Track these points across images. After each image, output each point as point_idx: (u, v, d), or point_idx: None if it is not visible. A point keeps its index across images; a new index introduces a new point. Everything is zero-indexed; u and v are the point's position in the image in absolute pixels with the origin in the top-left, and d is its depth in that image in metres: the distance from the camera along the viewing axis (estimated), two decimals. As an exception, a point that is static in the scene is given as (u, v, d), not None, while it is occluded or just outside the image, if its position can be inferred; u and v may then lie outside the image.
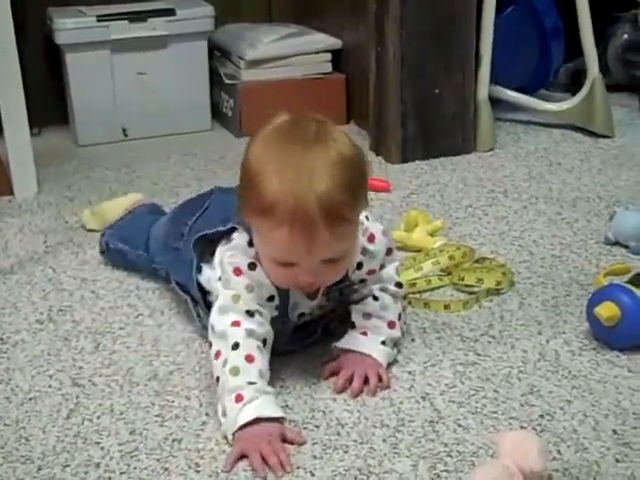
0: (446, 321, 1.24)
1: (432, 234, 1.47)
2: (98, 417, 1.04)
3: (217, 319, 1.04)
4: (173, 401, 1.07)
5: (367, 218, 1.12)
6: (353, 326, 1.14)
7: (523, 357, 1.15)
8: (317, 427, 1.01)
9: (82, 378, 1.13)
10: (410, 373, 1.12)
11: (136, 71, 2.10)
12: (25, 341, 1.22)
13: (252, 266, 1.06)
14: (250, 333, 1.03)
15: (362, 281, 1.14)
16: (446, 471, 0.93)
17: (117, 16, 2.05)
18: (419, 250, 1.42)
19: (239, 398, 0.97)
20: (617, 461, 0.94)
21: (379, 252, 1.13)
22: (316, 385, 1.10)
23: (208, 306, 1.14)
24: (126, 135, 2.12)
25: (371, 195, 1.69)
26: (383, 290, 1.15)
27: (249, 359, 1.00)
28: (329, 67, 2.16)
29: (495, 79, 1.99)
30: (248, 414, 0.96)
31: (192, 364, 1.15)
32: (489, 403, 1.05)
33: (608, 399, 1.05)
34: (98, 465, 0.96)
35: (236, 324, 1.03)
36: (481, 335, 1.21)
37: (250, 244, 1.07)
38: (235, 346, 1.01)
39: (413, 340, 1.20)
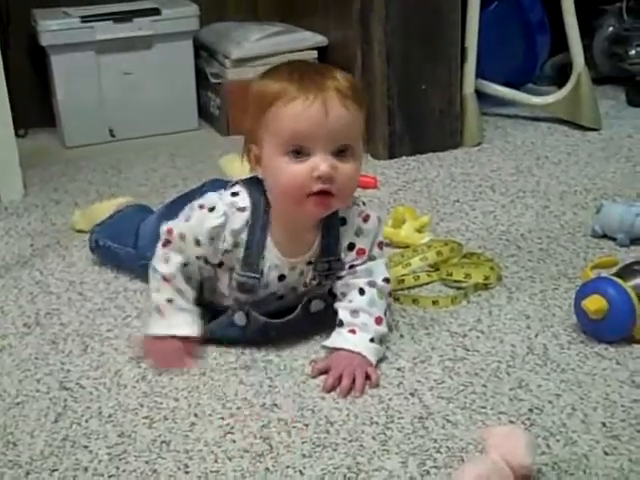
0: (435, 317, 1.24)
1: (420, 230, 1.47)
2: (86, 420, 1.04)
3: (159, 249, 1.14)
4: (162, 403, 1.07)
5: (364, 203, 1.16)
6: (341, 324, 1.14)
7: (512, 351, 1.15)
8: (306, 426, 1.01)
9: (70, 381, 1.12)
10: (399, 369, 1.12)
11: (122, 71, 2.09)
12: (12, 345, 1.22)
13: (212, 209, 1.10)
14: (166, 259, 1.13)
15: (352, 267, 1.15)
16: (435, 467, 0.93)
17: (102, 17, 2.04)
18: (407, 246, 1.42)
19: (158, 312, 1.14)
20: (606, 454, 0.94)
21: (371, 231, 1.15)
22: (305, 384, 1.09)
23: None
24: (113, 136, 2.11)
25: (359, 191, 1.70)
26: (371, 285, 1.15)
27: (165, 281, 1.13)
28: (315, 65, 2.16)
29: (481, 74, 1.99)
30: (161, 328, 1.13)
31: (180, 365, 1.15)
32: (478, 398, 1.05)
33: (597, 392, 1.05)
34: (86, 469, 0.96)
35: (163, 244, 1.14)
36: (470, 330, 1.21)
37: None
38: (154, 269, 1.14)
39: (402, 336, 1.20)
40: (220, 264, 1.14)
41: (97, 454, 0.98)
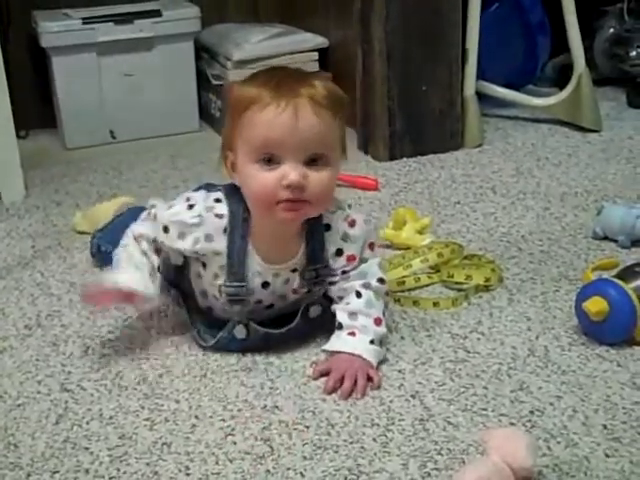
0: (435, 319, 1.24)
1: (420, 232, 1.47)
2: (87, 422, 1.04)
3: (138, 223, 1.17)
4: (162, 405, 1.07)
5: (349, 206, 1.15)
6: (340, 327, 1.14)
7: (512, 353, 1.15)
8: (307, 427, 1.01)
9: (71, 383, 1.12)
10: (400, 371, 1.12)
11: (123, 73, 2.09)
12: (13, 347, 1.22)
13: (191, 206, 1.10)
14: (145, 254, 1.15)
15: (344, 272, 1.14)
16: (436, 469, 0.93)
17: (103, 18, 2.04)
18: (408, 248, 1.42)
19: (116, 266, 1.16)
20: (607, 456, 0.94)
21: (359, 237, 1.14)
22: (305, 385, 1.09)
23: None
24: (114, 137, 2.11)
25: (359, 193, 1.72)
26: (366, 287, 1.14)
27: (140, 234, 1.15)
28: (316, 66, 2.16)
29: (482, 75, 1.99)
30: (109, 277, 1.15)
31: (181, 367, 1.15)
32: (479, 400, 1.05)
33: (598, 394, 1.05)
34: (87, 471, 0.96)
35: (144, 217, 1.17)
36: (470, 332, 1.21)
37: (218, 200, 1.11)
38: (130, 229, 1.17)
39: (403, 338, 1.20)
40: (204, 265, 1.14)
41: (98, 456, 0.98)
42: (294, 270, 1.13)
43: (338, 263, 1.14)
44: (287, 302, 1.17)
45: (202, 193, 1.14)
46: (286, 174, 1.03)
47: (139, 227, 1.16)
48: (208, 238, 1.11)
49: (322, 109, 1.03)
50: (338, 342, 1.13)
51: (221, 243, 1.11)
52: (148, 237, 1.15)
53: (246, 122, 1.04)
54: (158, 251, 1.16)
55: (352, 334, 1.12)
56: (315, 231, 1.12)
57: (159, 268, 1.17)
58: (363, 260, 1.15)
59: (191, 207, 1.11)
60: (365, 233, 1.15)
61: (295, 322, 1.15)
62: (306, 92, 1.03)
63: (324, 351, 1.14)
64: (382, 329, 1.14)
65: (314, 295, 1.16)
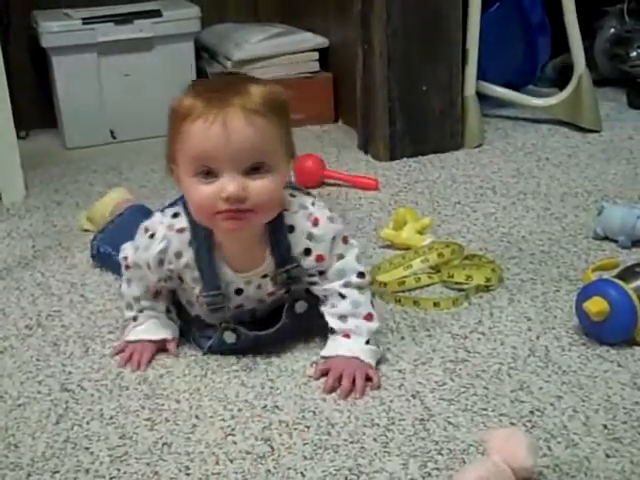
0: (436, 319, 1.24)
1: (421, 232, 1.47)
2: (87, 422, 1.04)
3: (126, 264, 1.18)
4: (163, 404, 1.07)
5: (313, 204, 1.12)
6: (333, 331, 1.13)
7: (513, 353, 1.15)
8: (307, 427, 1.01)
9: (71, 383, 1.12)
10: (400, 371, 1.12)
11: (123, 73, 2.10)
12: (14, 347, 1.22)
13: (152, 235, 1.12)
14: (129, 283, 1.17)
15: (321, 273, 1.12)
16: (437, 469, 0.93)
17: (103, 18, 2.05)
18: (408, 248, 1.42)
19: (132, 321, 1.19)
20: (608, 456, 0.94)
21: (324, 236, 1.10)
22: (306, 385, 1.09)
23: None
24: (114, 137, 2.12)
25: (359, 193, 1.72)
26: (347, 285, 1.12)
27: (133, 299, 1.18)
28: (316, 66, 2.16)
29: (482, 75, 1.99)
30: (134, 335, 1.18)
31: (182, 367, 1.15)
32: (479, 400, 1.05)
33: (598, 394, 1.05)
34: (88, 471, 0.96)
35: (125, 267, 1.17)
36: (471, 332, 1.21)
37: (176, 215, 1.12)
38: (121, 287, 1.19)
39: (403, 338, 1.20)
40: (180, 279, 1.14)
41: (98, 456, 0.98)
42: (264, 276, 1.12)
43: (308, 263, 1.11)
44: (268, 304, 1.16)
45: (158, 216, 1.14)
46: (224, 187, 1.01)
47: (128, 289, 1.18)
48: (177, 255, 1.11)
49: (256, 117, 1.00)
50: (334, 346, 1.12)
51: (189, 256, 1.11)
52: (141, 291, 1.17)
53: (182, 135, 1.03)
54: (158, 293, 1.18)
55: (347, 336, 1.12)
56: (279, 234, 1.10)
57: (168, 309, 1.20)
58: (339, 256, 1.12)
59: (152, 236, 1.12)
60: (331, 231, 1.11)
61: (282, 321, 1.15)
62: (238, 101, 1.00)
63: (322, 357, 1.13)
64: (374, 324, 1.12)
65: (294, 294, 1.15)
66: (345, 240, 1.13)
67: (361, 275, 1.13)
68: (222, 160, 1.01)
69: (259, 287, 1.14)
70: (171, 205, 1.19)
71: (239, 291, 1.13)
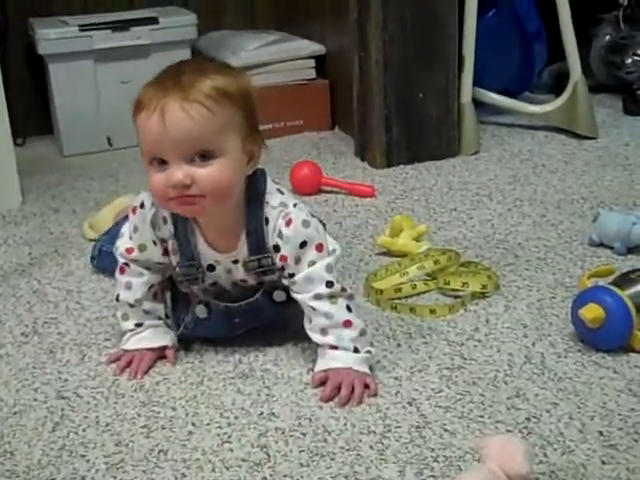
0: (432, 326, 1.24)
1: (417, 239, 1.47)
2: (84, 430, 1.04)
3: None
4: (159, 412, 1.07)
5: (294, 205, 1.12)
6: (319, 345, 1.13)
7: (509, 360, 1.15)
8: (304, 435, 1.01)
9: (67, 390, 1.12)
10: (396, 379, 1.12)
11: (120, 80, 2.09)
12: (10, 354, 1.22)
13: (142, 205, 1.14)
14: (129, 286, 1.17)
15: (291, 276, 1.12)
16: (433, 476, 0.93)
17: (100, 25, 2.05)
18: (404, 255, 1.42)
19: (129, 332, 1.19)
20: (603, 463, 0.94)
21: (292, 239, 1.10)
22: (302, 393, 1.09)
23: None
24: (111, 144, 2.12)
25: (356, 200, 1.72)
26: (317, 298, 1.10)
27: (131, 306, 1.17)
28: (313, 73, 2.17)
29: (478, 82, 1.99)
30: (132, 344, 1.18)
31: (178, 374, 1.15)
32: (475, 407, 1.05)
33: (594, 401, 1.05)
34: (84, 478, 0.95)
35: (121, 271, 1.18)
36: (467, 339, 1.21)
37: None
38: (117, 297, 1.18)
39: (399, 345, 1.20)
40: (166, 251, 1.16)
41: (94, 463, 0.98)
42: (235, 261, 1.14)
43: (277, 259, 1.12)
44: (243, 290, 1.17)
45: (141, 193, 1.16)
46: (170, 175, 1.04)
47: (126, 294, 1.17)
48: (164, 220, 1.14)
49: (194, 105, 1.02)
50: (324, 361, 1.12)
51: (170, 224, 1.13)
52: (143, 292, 1.17)
53: (135, 126, 1.06)
54: (156, 295, 1.19)
55: (334, 347, 1.11)
56: (256, 223, 1.12)
57: (167, 315, 1.21)
58: (310, 263, 1.11)
59: (142, 205, 1.14)
60: (302, 236, 1.10)
61: (255, 298, 1.16)
62: (179, 91, 1.02)
63: (316, 374, 1.12)
64: (354, 330, 1.11)
65: (269, 285, 1.16)
66: (319, 248, 1.11)
67: (329, 285, 1.10)
68: (166, 150, 1.04)
69: (229, 271, 1.15)
70: None
71: (211, 267, 1.15)
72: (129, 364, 1.16)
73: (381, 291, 1.32)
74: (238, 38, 2.18)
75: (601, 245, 1.46)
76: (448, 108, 1.92)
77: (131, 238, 1.16)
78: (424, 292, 1.35)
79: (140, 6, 2.21)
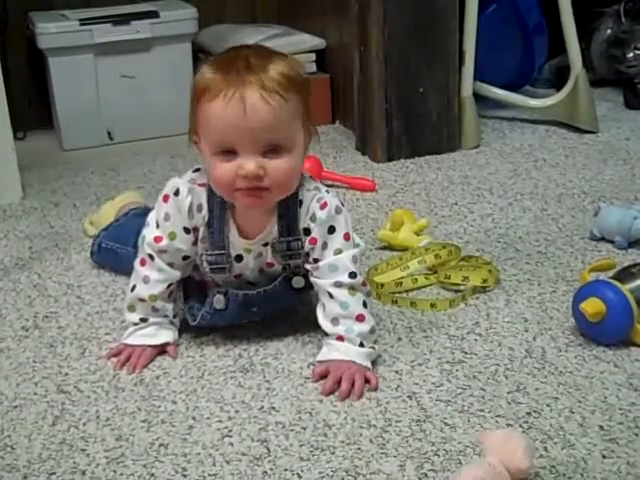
0: (433, 320, 1.24)
1: (418, 233, 1.47)
2: (84, 424, 1.04)
3: (139, 247, 1.17)
4: (159, 406, 1.07)
5: (327, 192, 1.13)
6: (326, 334, 1.13)
7: (510, 354, 1.15)
8: (304, 429, 1.01)
9: (68, 385, 1.12)
10: (397, 372, 1.12)
11: (120, 74, 2.09)
12: (10, 348, 1.22)
13: (176, 192, 1.12)
14: (147, 280, 1.15)
15: (315, 261, 1.12)
16: (433, 470, 0.93)
17: (100, 19, 2.04)
18: (405, 249, 1.42)
19: (133, 325, 1.18)
20: (604, 457, 0.94)
21: (325, 221, 1.11)
22: (302, 387, 1.09)
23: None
24: (111, 138, 2.11)
25: (357, 195, 1.72)
26: (338, 286, 1.11)
27: (142, 300, 1.16)
28: (313, 67, 2.16)
29: (479, 76, 1.99)
30: (134, 339, 1.17)
31: (178, 368, 1.15)
32: (476, 401, 1.05)
33: (594, 395, 1.05)
34: (84, 472, 0.96)
35: (142, 263, 1.16)
36: (468, 333, 1.21)
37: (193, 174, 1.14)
38: (133, 288, 1.16)
39: (400, 339, 1.20)
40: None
41: (95, 457, 0.98)
42: (265, 244, 1.14)
43: (306, 242, 1.12)
44: (266, 277, 1.17)
45: (172, 179, 1.15)
46: (242, 165, 1.04)
47: (142, 288, 1.16)
48: (199, 208, 1.13)
49: (273, 95, 1.01)
50: (329, 350, 1.12)
51: (204, 211, 1.13)
52: (161, 290, 1.16)
53: (201, 113, 1.05)
54: (171, 294, 1.18)
55: (340, 339, 1.11)
56: (289, 205, 1.12)
57: (175, 315, 1.20)
58: (337, 251, 1.12)
59: (177, 193, 1.13)
60: (333, 219, 1.11)
61: (273, 285, 1.16)
62: (256, 79, 1.01)
63: (318, 362, 1.12)
64: (366, 325, 1.12)
65: (291, 271, 1.16)
66: (346, 237, 1.12)
67: (352, 275, 1.11)
68: (240, 139, 1.03)
69: (259, 255, 1.15)
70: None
71: (239, 257, 1.15)
72: (129, 358, 1.16)
73: (382, 285, 1.32)
74: (239, 32, 2.18)
75: (602, 239, 1.46)
76: (449, 102, 1.92)
77: (158, 227, 1.14)
78: (425, 286, 1.35)
79: (140, 0, 2.21)
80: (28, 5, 2.11)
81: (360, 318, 1.12)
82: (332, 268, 1.12)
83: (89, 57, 2.05)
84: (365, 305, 1.13)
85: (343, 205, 1.14)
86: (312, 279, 1.14)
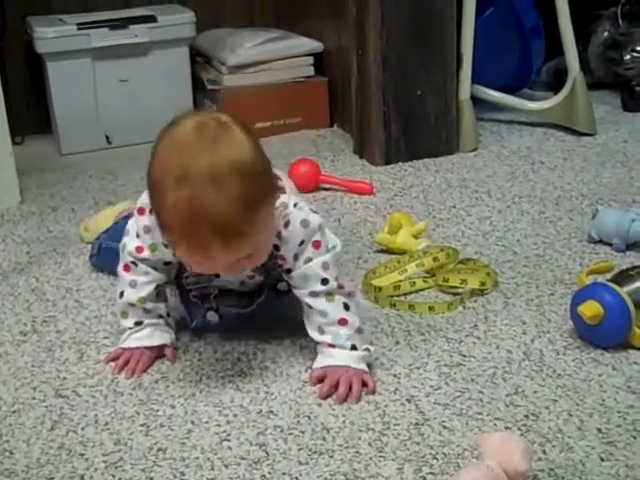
0: (431, 323, 1.24)
1: (416, 236, 1.47)
2: (82, 428, 1.04)
3: (120, 254, 1.18)
4: (158, 410, 1.07)
5: (295, 205, 1.10)
6: (317, 342, 1.13)
7: (508, 357, 1.15)
8: (302, 432, 1.01)
9: (66, 389, 1.12)
10: (395, 376, 1.12)
11: (118, 78, 2.09)
12: (8, 353, 1.22)
13: (151, 210, 1.09)
14: (133, 284, 1.16)
15: (288, 271, 1.12)
16: (432, 474, 0.93)
17: (98, 24, 2.04)
18: (403, 252, 1.42)
19: (128, 330, 1.18)
20: (602, 460, 0.94)
21: (290, 240, 1.09)
22: (301, 390, 1.09)
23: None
24: (109, 143, 2.11)
25: (355, 198, 1.72)
26: (314, 296, 1.11)
27: (132, 305, 1.16)
28: (311, 71, 2.17)
29: (477, 79, 1.99)
30: (130, 342, 1.18)
31: (177, 372, 1.15)
32: (474, 404, 1.05)
33: (593, 398, 1.05)
34: (83, 477, 0.96)
35: (125, 269, 1.16)
36: (466, 336, 1.21)
37: None
38: (121, 294, 1.17)
39: (398, 342, 1.20)
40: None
41: (93, 462, 0.98)
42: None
43: (277, 258, 1.12)
44: (249, 286, 1.19)
45: (142, 196, 1.14)
46: (214, 268, 1.07)
47: (130, 293, 1.16)
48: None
49: (236, 241, 0.99)
50: (323, 357, 1.12)
51: None
52: (149, 292, 1.16)
53: (166, 234, 1.04)
54: (160, 294, 1.18)
55: (332, 346, 1.11)
56: None
57: (168, 314, 1.20)
58: (307, 260, 1.10)
59: (142, 212, 1.13)
60: (300, 235, 1.09)
61: (263, 297, 1.18)
62: (217, 238, 0.97)
63: (314, 370, 1.12)
64: (350, 328, 1.11)
65: (273, 278, 1.17)
66: (316, 245, 1.10)
67: (325, 282, 1.10)
68: (210, 267, 1.07)
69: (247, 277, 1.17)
70: None
71: (217, 274, 1.16)
72: (127, 363, 1.16)
73: (380, 288, 1.32)
74: (237, 36, 2.18)
75: (600, 242, 1.46)
76: (447, 105, 1.92)
77: (138, 236, 1.14)
78: (423, 289, 1.35)
79: (138, 4, 2.21)
80: (26, 10, 2.12)
81: (342, 322, 1.11)
82: (304, 278, 1.11)
83: (87, 61, 2.05)
84: (347, 307, 1.12)
85: (314, 212, 1.12)
86: (292, 289, 1.14)
